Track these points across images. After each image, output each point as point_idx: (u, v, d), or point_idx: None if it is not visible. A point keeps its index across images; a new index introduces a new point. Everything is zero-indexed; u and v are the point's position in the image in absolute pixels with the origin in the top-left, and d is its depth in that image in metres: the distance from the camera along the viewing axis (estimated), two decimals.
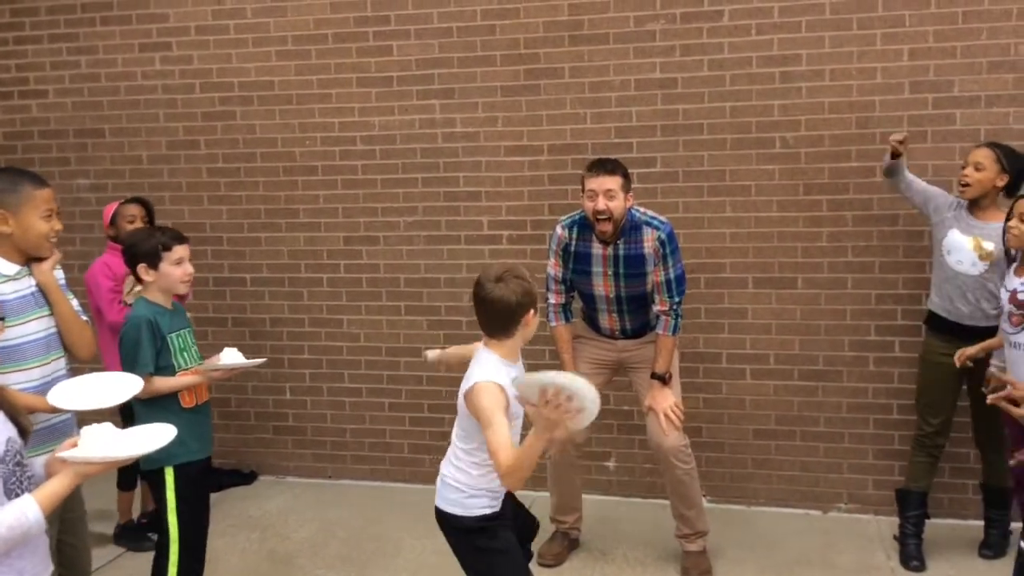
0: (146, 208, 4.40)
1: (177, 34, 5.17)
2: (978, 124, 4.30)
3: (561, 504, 4.23)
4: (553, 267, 3.99)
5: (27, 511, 2.08)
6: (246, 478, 5.26)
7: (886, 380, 4.51)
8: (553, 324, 4.04)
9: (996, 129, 4.29)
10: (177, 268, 3.25)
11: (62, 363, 2.99)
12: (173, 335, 3.24)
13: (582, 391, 2.31)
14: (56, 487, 2.16)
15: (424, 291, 4.99)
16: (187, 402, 3.25)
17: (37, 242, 2.90)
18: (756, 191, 4.56)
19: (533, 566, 4.05)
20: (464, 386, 2.73)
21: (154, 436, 2.36)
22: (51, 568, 2.29)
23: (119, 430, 2.30)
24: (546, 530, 4.31)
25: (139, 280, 3.29)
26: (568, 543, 4.25)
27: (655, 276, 3.85)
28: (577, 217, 3.93)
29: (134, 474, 4.19)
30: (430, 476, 5.03)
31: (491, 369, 2.70)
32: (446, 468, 2.88)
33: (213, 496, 4.93)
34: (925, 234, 4.41)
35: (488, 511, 2.81)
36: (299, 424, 5.29)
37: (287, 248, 5.19)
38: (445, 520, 2.87)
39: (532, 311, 2.76)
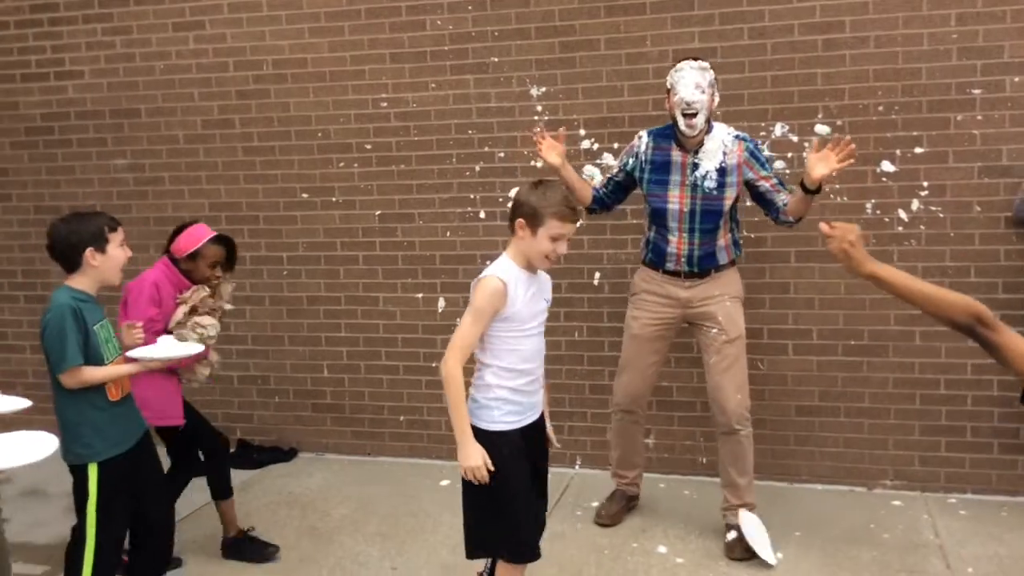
0: (229, 250, 3.92)
1: (210, 12, 5.16)
2: None
3: (622, 458, 4.28)
4: (615, 171, 4.08)
5: None
6: (286, 455, 5.29)
7: (933, 355, 4.41)
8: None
9: None
10: (121, 251, 3.15)
11: None
12: (97, 326, 3.10)
13: None
14: None
15: (460, 268, 4.96)
16: (113, 395, 3.13)
17: None
18: (798, 162, 4.46)
19: (590, 524, 4.18)
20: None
21: (32, 446, 2.27)
22: None
23: None
24: (606, 489, 4.37)
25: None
26: (626, 502, 4.28)
27: (766, 182, 3.85)
28: (657, 128, 3.97)
29: (227, 481, 3.99)
30: None
31: (503, 266, 2.87)
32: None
33: (253, 473, 5.04)
34: (973, 204, 4.30)
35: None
36: (337, 402, 5.30)
37: (323, 226, 5.18)
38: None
39: (525, 221, 2.82)
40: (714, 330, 3.91)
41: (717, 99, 3.86)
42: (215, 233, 3.83)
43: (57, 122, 5.50)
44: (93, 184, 5.48)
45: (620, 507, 4.27)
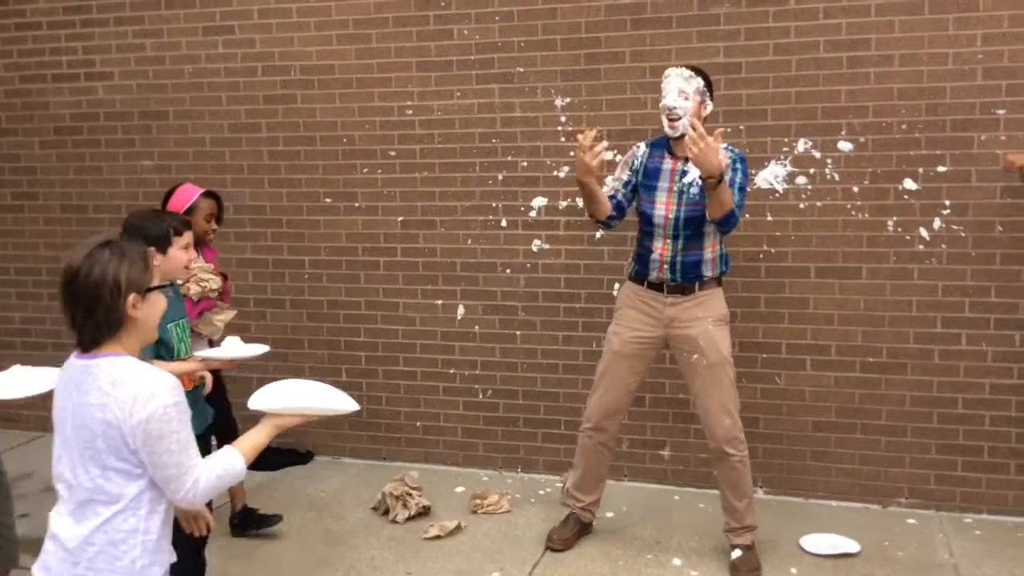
0: (218, 204, 4.08)
1: (240, 17, 5.22)
2: None
3: (582, 480, 4.16)
4: (615, 176, 4.04)
5: (234, 461, 2.15)
6: (303, 457, 5.32)
7: (951, 373, 4.40)
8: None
9: None
10: (184, 253, 3.22)
11: None
12: (172, 324, 3.16)
13: None
14: (256, 439, 2.23)
15: (480, 276, 4.99)
16: (186, 385, 3.12)
17: None
18: (820, 179, 4.48)
19: (604, 535, 4.18)
20: None
21: (341, 397, 2.39)
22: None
23: (309, 383, 2.31)
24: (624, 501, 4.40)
25: None
26: (580, 528, 4.19)
27: None
28: (656, 138, 4.02)
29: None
30: (483, 461, 5.13)
31: None
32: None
33: (270, 475, 5.07)
34: (995, 224, 4.30)
35: None
36: None
37: (345, 231, 5.22)
38: None
39: None
40: (695, 356, 3.84)
41: (710, 107, 3.87)
42: (203, 189, 4.00)
43: (86, 122, 5.58)
44: (120, 184, 5.55)
45: (573, 532, 4.15)
